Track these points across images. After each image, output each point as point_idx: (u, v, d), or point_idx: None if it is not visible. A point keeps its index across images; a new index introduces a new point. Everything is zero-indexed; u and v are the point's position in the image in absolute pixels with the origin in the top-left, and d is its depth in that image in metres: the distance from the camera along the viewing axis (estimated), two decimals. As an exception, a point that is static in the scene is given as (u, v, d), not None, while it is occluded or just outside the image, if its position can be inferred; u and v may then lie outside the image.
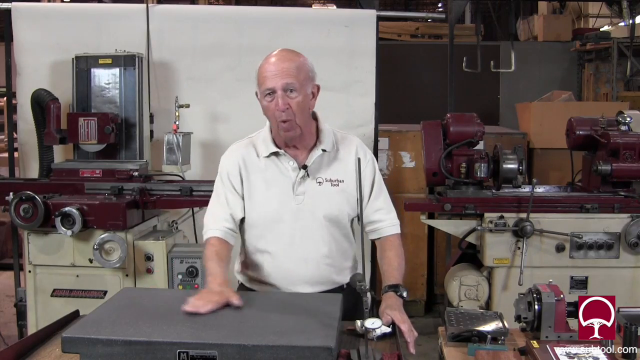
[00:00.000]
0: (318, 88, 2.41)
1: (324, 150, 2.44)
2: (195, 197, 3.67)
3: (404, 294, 2.31)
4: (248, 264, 2.51)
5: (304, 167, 2.41)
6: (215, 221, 2.43)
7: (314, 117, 2.48)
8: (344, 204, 2.46)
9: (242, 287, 2.58)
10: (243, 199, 2.45)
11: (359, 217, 2.49)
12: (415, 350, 2.10)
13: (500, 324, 2.18)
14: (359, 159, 2.28)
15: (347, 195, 2.46)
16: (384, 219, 2.53)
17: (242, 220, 2.47)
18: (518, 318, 2.23)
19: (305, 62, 2.36)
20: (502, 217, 3.56)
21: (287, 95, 2.29)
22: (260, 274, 2.47)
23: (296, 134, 2.36)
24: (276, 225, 2.42)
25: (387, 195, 2.58)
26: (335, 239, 2.48)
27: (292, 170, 2.42)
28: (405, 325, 2.14)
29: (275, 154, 2.42)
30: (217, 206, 2.46)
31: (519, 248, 3.54)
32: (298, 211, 2.41)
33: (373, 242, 2.60)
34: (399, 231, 2.57)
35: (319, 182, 2.43)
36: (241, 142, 2.52)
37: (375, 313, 2.20)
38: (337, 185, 2.45)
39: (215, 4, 14.24)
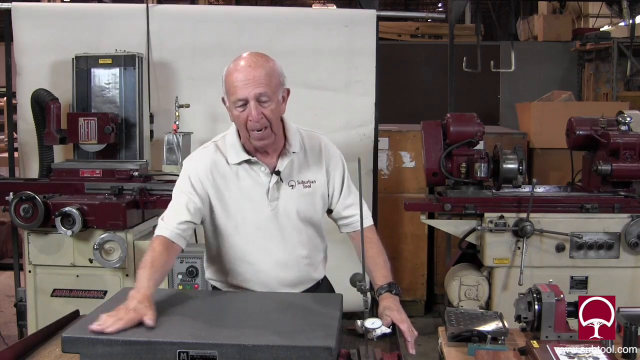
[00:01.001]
0: (288, 92, 2.33)
1: (293, 152, 2.38)
2: (195, 197, 3.66)
3: (398, 292, 2.30)
4: (225, 271, 2.44)
5: (277, 172, 2.35)
6: (168, 221, 2.31)
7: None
8: (317, 204, 2.43)
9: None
10: (209, 205, 2.36)
11: (329, 212, 2.49)
12: (415, 350, 2.09)
13: (500, 324, 2.18)
14: (359, 159, 2.24)
15: (320, 195, 2.43)
16: (356, 213, 2.44)
17: (215, 227, 2.40)
18: (518, 318, 2.23)
19: (275, 66, 2.25)
20: (502, 217, 3.56)
21: (260, 105, 2.20)
22: (239, 281, 2.42)
23: (270, 142, 2.29)
24: (253, 233, 2.37)
25: (357, 192, 2.49)
26: (311, 239, 2.45)
27: (265, 176, 2.35)
28: (405, 325, 2.13)
29: (247, 161, 2.35)
30: (175, 207, 2.34)
31: (519, 248, 3.54)
32: (274, 216, 2.36)
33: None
34: (372, 222, 2.51)
35: (292, 186, 2.38)
36: (208, 148, 2.41)
37: (374, 313, 2.20)
38: (310, 186, 2.40)
39: (215, 4, 14.23)
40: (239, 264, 2.40)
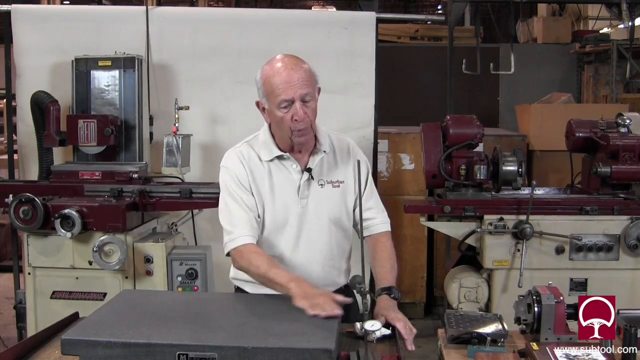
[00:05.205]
0: (319, 90, 2.42)
1: (324, 152, 2.46)
2: (195, 199, 3.67)
3: (397, 296, 2.30)
4: None
5: (308, 170, 2.42)
6: (242, 226, 2.35)
7: None
8: (345, 205, 2.47)
9: (238, 291, 2.55)
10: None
11: (355, 218, 2.50)
12: (413, 347, 2.09)
13: (500, 326, 2.18)
14: (358, 161, 2.28)
15: (348, 196, 2.47)
16: (375, 217, 2.54)
17: None
18: (518, 320, 2.23)
19: (310, 67, 2.36)
20: (501, 219, 3.55)
21: (305, 105, 2.29)
22: None
23: (309, 138, 2.39)
24: (281, 229, 2.42)
25: (378, 196, 2.60)
26: (337, 241, 2.49)
27: (296, 173, 2.42)
28: (401, 323, 2.14)
29: (279, 157, 2.42)
30: (238, 210, 2.37)
31: (519, 250, 3.54)
32: (303, 214, 2.42)
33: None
34: (389, 229, 2.58)
35: (321, 185, 2.45)
36: (240, 147, 2.47)
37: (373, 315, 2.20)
38: (338, 186, 2.47)
39: (215, 6, 14.24)
40: None
